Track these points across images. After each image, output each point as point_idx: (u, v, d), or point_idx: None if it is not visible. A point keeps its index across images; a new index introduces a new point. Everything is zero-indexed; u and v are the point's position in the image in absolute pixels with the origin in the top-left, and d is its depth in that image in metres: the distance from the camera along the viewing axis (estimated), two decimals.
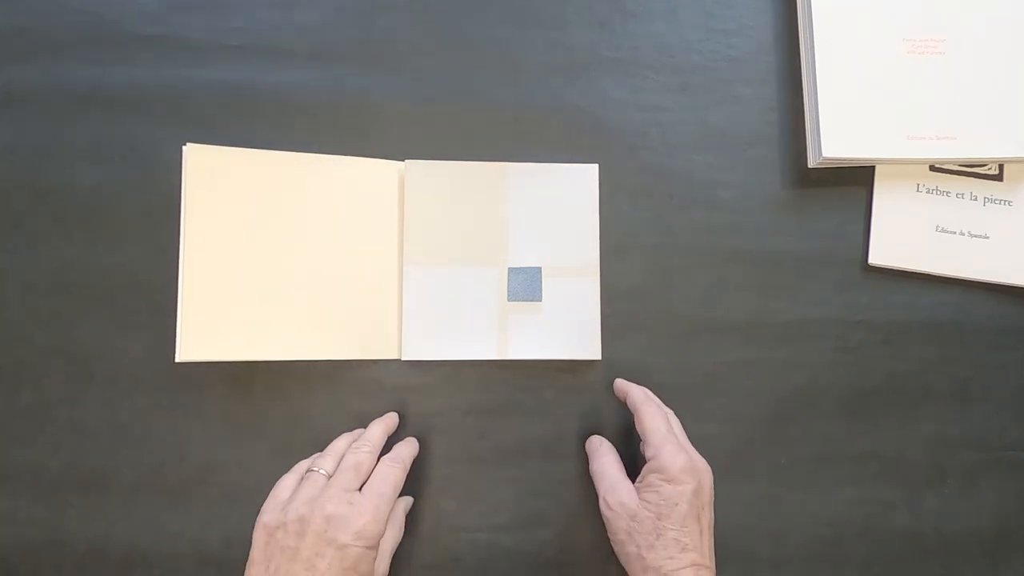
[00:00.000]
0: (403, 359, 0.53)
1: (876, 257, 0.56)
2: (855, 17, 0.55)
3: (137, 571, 0.50)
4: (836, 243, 0.56)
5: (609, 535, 0.45)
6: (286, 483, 0.45)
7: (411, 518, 0.51)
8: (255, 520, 0.44)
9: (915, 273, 0.56)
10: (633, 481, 0.46)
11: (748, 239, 0.56)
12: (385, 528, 0.43)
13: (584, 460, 0.53)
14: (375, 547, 0.42)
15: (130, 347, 0.52)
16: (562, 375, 0.54)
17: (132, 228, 0.53)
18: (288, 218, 0.52)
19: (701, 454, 0.54)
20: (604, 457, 0.48)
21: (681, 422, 0.53)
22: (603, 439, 0.51)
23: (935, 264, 0.56)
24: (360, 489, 0.44)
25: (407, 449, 0.49)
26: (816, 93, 0.54)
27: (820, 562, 0.53)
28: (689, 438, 0.53)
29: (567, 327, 0.54)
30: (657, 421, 0.46)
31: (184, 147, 0.51)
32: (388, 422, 0.50)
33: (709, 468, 0.45)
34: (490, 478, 0.53)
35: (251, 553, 0.43)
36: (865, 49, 0.55)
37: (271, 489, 0.45)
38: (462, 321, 0.53)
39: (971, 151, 0.54)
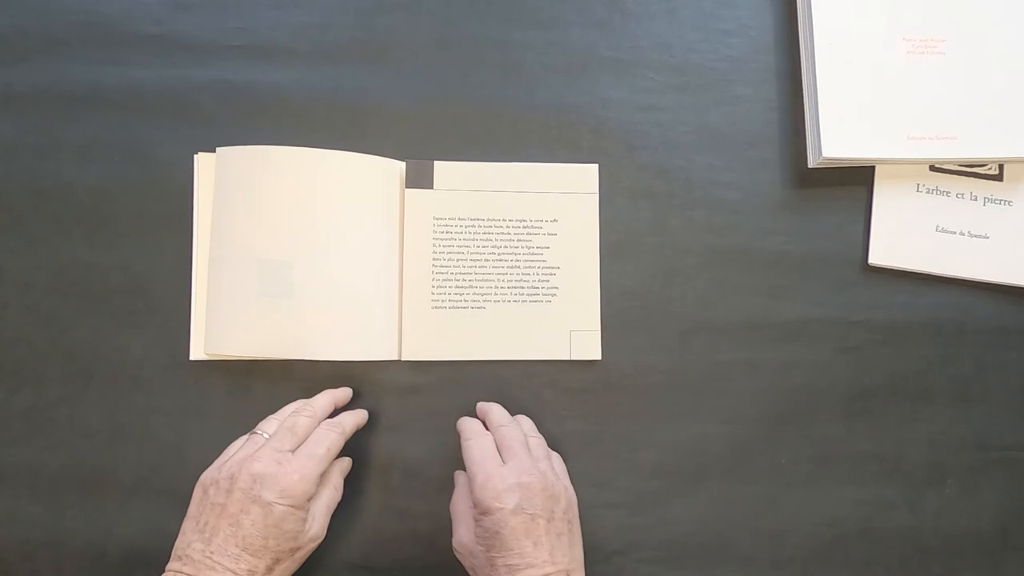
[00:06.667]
0: (403, 359, 0.53)
1: (876, 257, 0.56)
2: (855, 17, 0.55)
3: (137, 571, 0.50)
4: (836, 243, 0.56)
5: None
6: (234, 444, 0.47)
7: (412, 519, 0.52)
8: None
9: (915, 273, 0.56)
10: None
11: (748, 239, 0.56)
12: (314, 488, 0.43)
13: (585, 460, 0.53)
14: (302, 507, 0.42)
15: (130, 347, 0.52)
16: (562, 375, 0.54)
17: (132, 228, 0.53)
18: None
19: (701, 454, 0.54)
20: (455, 494, 0.48)
21: (681, 422, 0.53)
22: (461, 473, 0.49)
23: (935, 264, 0.56)
24: (294, 452, 0.44)
25: (350, 418, 0.49)
26: (816, 93, 0.54)
27: (820, 562, 0.53)
28: (689, 438, 0.54)
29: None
30: (471, 452, 0.45)
31: (195, 156, 0.53)
32: (339, 394, 0.51)
33: (546, 472, 0.44)
34: None
35: (188, 508, 0.44)
36: (865, 49, 0.55)
37: None
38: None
39: (971, 151, 0.54)
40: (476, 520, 0.43)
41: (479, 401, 0.52)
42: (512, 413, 0.53)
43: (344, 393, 0.51)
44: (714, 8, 0.58)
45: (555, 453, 0.50)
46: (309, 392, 0.52)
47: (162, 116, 0.54)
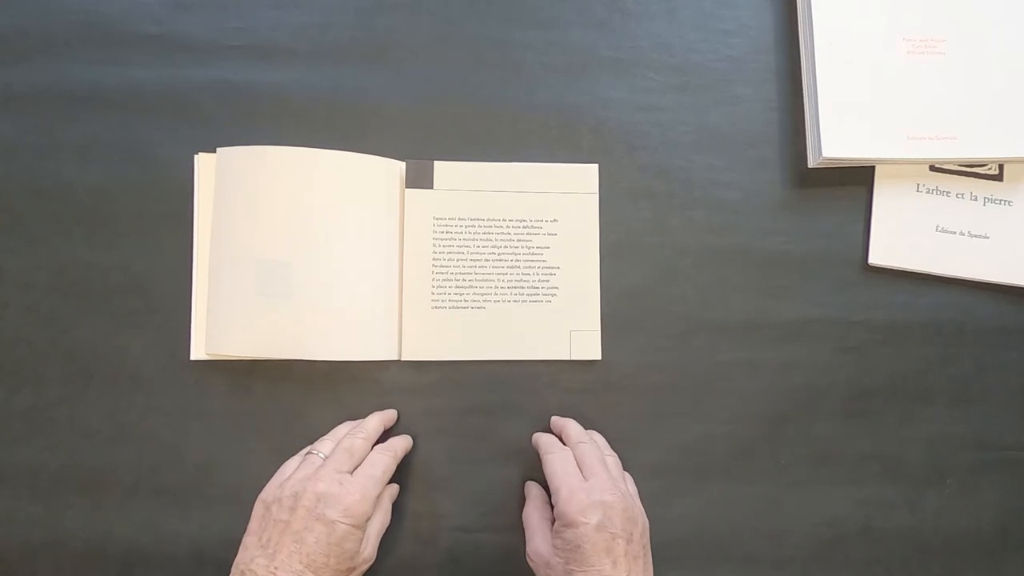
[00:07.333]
0: (403, 359, 0.53)
1: (876, 257, 0.56)
2: (855, 17, 0.55)
3: (136, 571, 0.50)
4: (836, 243, 0.56)
5: None
6: (290, 463, 0.48)
7: (412, 519, 0.52)
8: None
9: (915, 273, 0.56)
10: None
11: (748, 239, 0.56)
12: (372, 509, 0.45)
13: None
14: (361, 527, 0.44)
15: (130, 347, 0.52)
16: (562, 375, 0.54)
17: (132, 228, 0.53)
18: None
19: (701, 454, 0.54)
20: (528, 504, 0.49)
21: (681, 422, 0.53)
22: (533, 484, 0.51)
23: (935, 264, 0.56)
24: (352, 473, 0.45)
25: (400, 442, 0.51)
26: (816, 93, 0.54)
27: (820, 562, 0.53)
28: (689, 438, 0.54)
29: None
30: (554, 466, 0.46)
31: (196, 156, 0.53)
32: (386, 416, 0.52)
33: (626, 493, 0.44)
34: (490, 478, 0.53)
35: (249, 524, 0.44)
36: (865, 49, 0.55)
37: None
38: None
39: (971, 151, 0.54)
40: (557, 532, 0.43)
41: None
42: (512, 413, 0.53)
43: (391, 415, 0.52)
44: (714, 8, 0.58)
45: (627, 474, 0.50)
46: (308, 392, 0.52)
47: (162, 116, 0.54)
